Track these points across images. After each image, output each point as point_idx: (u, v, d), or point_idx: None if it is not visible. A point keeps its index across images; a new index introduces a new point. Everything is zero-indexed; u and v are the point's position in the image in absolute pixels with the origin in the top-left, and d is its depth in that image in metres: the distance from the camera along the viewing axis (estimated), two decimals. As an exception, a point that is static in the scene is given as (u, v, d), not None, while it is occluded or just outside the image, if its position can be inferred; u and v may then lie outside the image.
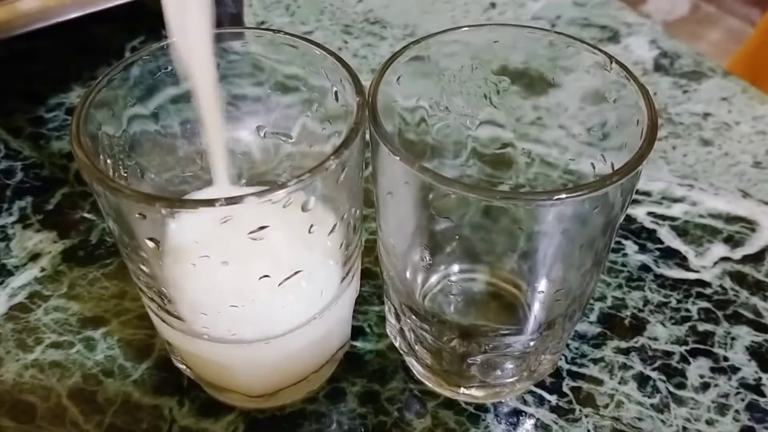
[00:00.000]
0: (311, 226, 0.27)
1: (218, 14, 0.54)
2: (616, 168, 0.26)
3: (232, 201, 0.24)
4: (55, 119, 0.50)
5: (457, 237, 0.31)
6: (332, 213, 0.28)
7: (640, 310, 0.39)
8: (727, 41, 1.71)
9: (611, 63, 0.30)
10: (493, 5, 0.61)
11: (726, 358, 0.37)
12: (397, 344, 0.36)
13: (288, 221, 0.26)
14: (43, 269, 0.41)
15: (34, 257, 0.42)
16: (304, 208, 0.26)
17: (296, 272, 0.28)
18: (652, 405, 0.35)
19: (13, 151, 0.48)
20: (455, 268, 0.35)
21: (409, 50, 0.31)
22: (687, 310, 0.39)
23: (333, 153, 0.26)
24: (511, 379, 0.35)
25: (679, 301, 0.40)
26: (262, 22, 0.59)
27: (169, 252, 0.26)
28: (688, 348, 0.37)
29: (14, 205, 0.44)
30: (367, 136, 0.28)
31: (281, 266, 0.28)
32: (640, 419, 0.35)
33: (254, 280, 0.28)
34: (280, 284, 0.28)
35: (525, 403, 0.35)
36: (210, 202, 0.24)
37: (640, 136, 0.27)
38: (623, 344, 0.38)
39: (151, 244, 0.26)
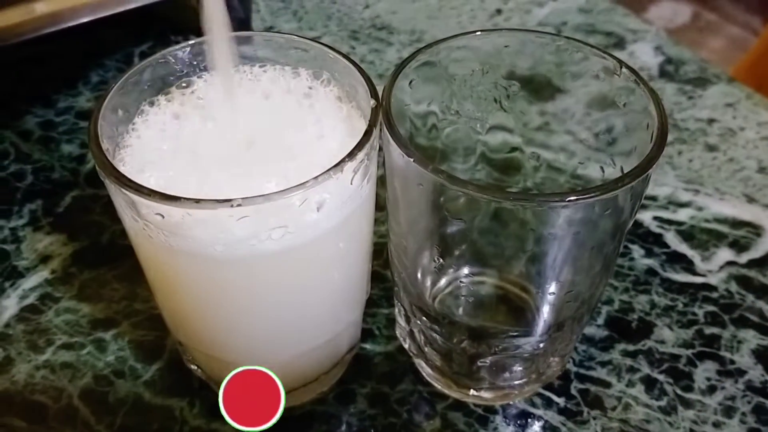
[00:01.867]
0: (324, 226, 0.27)
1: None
2: (626, 172, 0.27)
3: (248, 201, 0.24)
4: (65, 123, 0.50)
5: (468, 239, 0.32)
6: (346, 214, 0.28)
7: (647, 314, 0.39)
8: (728, 49, 1.72)
9: (621, 68, 0.30)
10: (499, 11, 0.61)
11: (732, 361, 0.37)
12: (406, 346, 0.36)
13: (302, 221, 0.26)
14: (53, 271, 0.41)
15: (45, 259, 0.42)
16: (318, 209, 0.26)
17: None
18: (659, 407, 0.35)
19: (23, 155, 0.48)
20: (466, 270, 0.35)
21: (421, 55, 0.31)
22: (693, 313, 0.39)
23: (347, 155, 0.26)
24: (519, 381, 0.35)
25: (685, 305, 0.40)
26: (270, 28, 0.60)
27: (186, 251, 0.27)
28: (694, 351, 0.38)
29: (25, 207, 0.45)
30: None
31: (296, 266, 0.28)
32: (647, 421, 0.35)
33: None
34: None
35: (533, 405, 0.36)
36: (227, 202, 0.24)
37: (650, 140, 0.28)
38: (631, 347, 0.38)
39: (167, 243, 0.27)
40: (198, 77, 0.32)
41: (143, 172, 0.28)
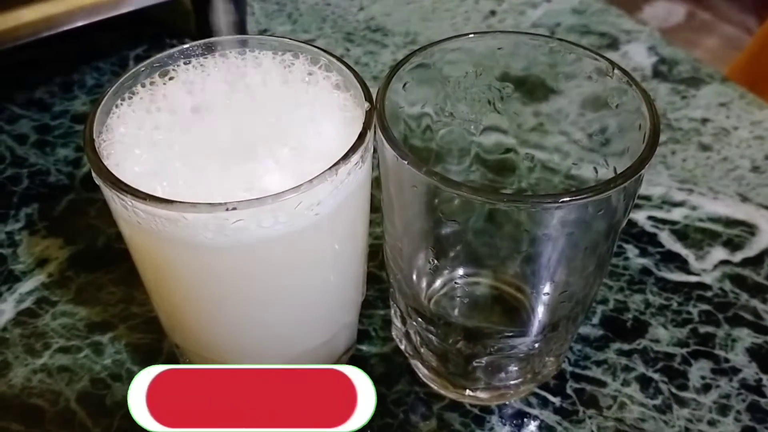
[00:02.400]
0: (320, 229, 0.28)
1: (221, 22, 0.55)
2: (618, 172, 0.27)
3: (243, 204, 0.24)
4: (60, 126, 0.50)
5: (463, 240, 0.32)
6: (340, 216, 0.28)
7: (642, 313, 0.40)
8: (722, 48, 1.72)
9: (613, 69, 0.30)
10: (493, 13, 0.61)
11: (727, 360, 0.38)
12: (402, 347, 0.36)
13: (297, 221, 0.27)
14: (50, 275, 0.41)
15: (41, 263, 0.42)
16: (313, 210, 0.26)
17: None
18: (654, 406, 0.36)
19: (19, 158, 0.48)
20: (460, 271, 0.35)
21: (415, 57, 0.31)
22: (688, 312, 0.40)
23: (342, 157, 0.26)
24: (515, 381, 0.35)
25: (680, 304, 0.40)
26: (265, 30, 0.60)
27: (184, 253, 0.27)
28: (689, 350, 0.38)
29: (21, 211, 0.45)
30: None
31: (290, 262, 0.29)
32: (642, 420, 0.35)
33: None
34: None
35: (529, 404, 0.36)
36: (221, 205, 0.24)
37: (642, 140, 0.28)
38: (625, 346, 0.38)
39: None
40: (185, 63, 0.32)
41: (127, 160, 0.28)
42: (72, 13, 0.47)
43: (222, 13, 0.54)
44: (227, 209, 0.24)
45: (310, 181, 0.25)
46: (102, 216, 0.44)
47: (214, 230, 0.25)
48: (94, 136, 0.27)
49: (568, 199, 0.26)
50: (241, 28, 0.56)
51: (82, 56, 0.56)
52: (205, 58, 0.32)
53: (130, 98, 0.30)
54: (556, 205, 0.26)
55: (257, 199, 0.24)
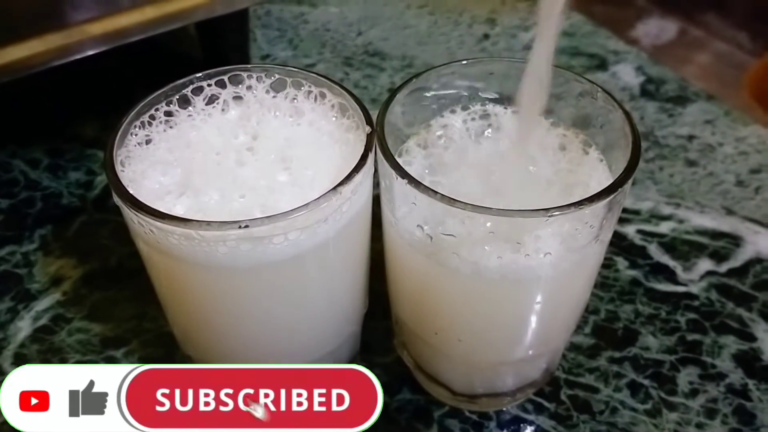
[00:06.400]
0: (326, 244, 0.29)
1: (224, 48, 0.57)
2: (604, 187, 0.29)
3: (254, 222, 0.26)
4: (72, 150, 0.52)
5: (460, 253, 0.33)
6: (345, 232, 0.30)
7: (632, 322, 0.41)
8: (715, 64, 1.74)
9: (597, 91, 0.32)
10: (486, 36, 0.64)
11: (714, 366, 0.39)
12: (403, 357, 0.38)
13: (306, 240, 0.28)
14: (65, 293, 0.43)
15: (56, 282, 0.44)
16: (318, 228, 0.28)
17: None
18: (645, 410, 0.37)
19: (32, 182, 0.50)
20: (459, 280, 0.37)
21: (412, 83, 0.33)
22: (676, 321, 0.41)
23: (345, 178, 0.28)
24: (511, 389, 0.37)
25: (668, 313, 0.42)
26: (267, 56, 0.62)
27: (198, 269, 0.29)
28: (677, 357, 0.40)
29: (35, 233, 0.47)
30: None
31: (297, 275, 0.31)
32: (634, 424, 0.37)
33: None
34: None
35: (525, 410, 0.37)
36: (234, 223, 0.26)
37: (625, 157, 0.30)
38: (617, 354, 0.40)
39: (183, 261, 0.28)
40: (197, 90, 0.34)
41: (144, 181, 0.30)
42: (82, 42, 0.48)
43: (226, 40, 0.56)
44: (240, 227, 0.26)
45: (317, 200, 0.27)
46: (113, 236, 0.46)
47: (227, 247, 0.27)
48: (114, 159, 0.29)
49: (557, 213, 0.28)
50: (244, 54, 0.58)
51: (92, 83, 0.58)
52: (214, 85, 0.34)
53: (146, 124, 0.32)
54: (545, 218, 0.28)
55: (268, 217, 0.26)
